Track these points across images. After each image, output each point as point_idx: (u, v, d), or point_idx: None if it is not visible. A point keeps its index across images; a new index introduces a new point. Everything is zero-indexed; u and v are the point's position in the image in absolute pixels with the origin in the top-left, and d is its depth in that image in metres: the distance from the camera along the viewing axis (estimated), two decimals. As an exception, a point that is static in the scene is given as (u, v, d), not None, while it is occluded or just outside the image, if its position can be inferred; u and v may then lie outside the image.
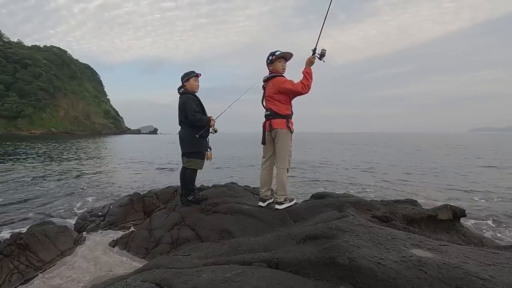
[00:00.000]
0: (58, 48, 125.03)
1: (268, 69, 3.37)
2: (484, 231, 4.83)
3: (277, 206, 3.31)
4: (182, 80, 3.77)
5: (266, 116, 3.35)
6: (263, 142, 3.41)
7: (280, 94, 3.22)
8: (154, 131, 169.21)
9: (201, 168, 3.81)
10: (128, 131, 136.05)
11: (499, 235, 4.77)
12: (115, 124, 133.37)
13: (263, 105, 3.41)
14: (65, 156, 19.25)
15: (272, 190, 3.60)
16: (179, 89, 3.80)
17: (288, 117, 3.30)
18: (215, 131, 3.80)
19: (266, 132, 3.33)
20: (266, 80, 3.34)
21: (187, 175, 3.79)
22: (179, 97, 3.77)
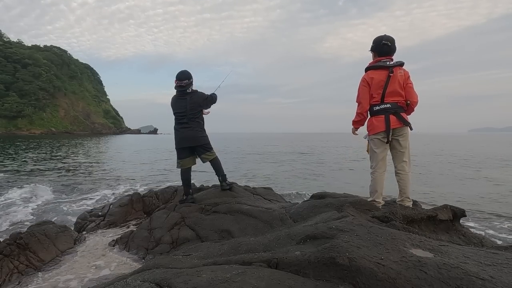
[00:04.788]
0: (58, 48, 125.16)
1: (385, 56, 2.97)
2: (484, 231, 4.83)
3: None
4: (188, 79, 3.84)
5: (386, 109, 2.92)
6: (389, 140, 2.97)
7: (403, 86, 2.95)
8: (154, 131, 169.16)
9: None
10: (128, 131, 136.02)
11: (499, 235, 4.78)
12: (115, 124, 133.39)
13: (382, 97, 2.94)
14: (65, 156, 19.25)
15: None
16: (183, 87, 3.84)
17: None
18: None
19: (394, 130, 2.92)
20: (393, 66, 2.92)
21: (218, 163, 4.05)
22: (188, 95, 3.86)
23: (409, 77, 2.98)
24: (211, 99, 3.98)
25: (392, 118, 2.93)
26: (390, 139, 2.97)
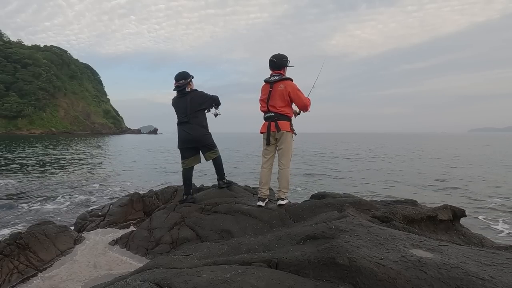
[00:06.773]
0: (58, 48, 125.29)
1: (274, 70, 3.40)
2: (484, 231, 4.83)
3: (280, 202, 3.41)
4: (185, 79, 3.84)
5: (269, 117, 3.37)
6: (268, 143, 3.43)
7: (287, 97, 3.28)
8: (154, 131, 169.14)
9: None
10: (128, 131, 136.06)
11: (499, 235, 4.78)
12: (115, 124, 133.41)
13: (267, 106, 3.37)
14: (65, 156, 19.25)
15: (271, 189, 3.64)
16: (180, 88, 3.84)
17: (291, 119, 3.37)
18: (217, 115, 4.08)
19: (271, 133, 3.37)
20: (274, 82, 3.33)
21: (220, 162, 4.09)
22: (188, 94, 3.85)
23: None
24: (213, 99, 3.96)
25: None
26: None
